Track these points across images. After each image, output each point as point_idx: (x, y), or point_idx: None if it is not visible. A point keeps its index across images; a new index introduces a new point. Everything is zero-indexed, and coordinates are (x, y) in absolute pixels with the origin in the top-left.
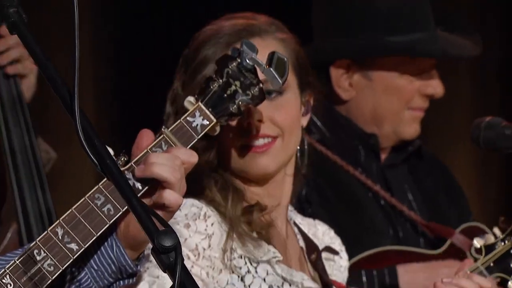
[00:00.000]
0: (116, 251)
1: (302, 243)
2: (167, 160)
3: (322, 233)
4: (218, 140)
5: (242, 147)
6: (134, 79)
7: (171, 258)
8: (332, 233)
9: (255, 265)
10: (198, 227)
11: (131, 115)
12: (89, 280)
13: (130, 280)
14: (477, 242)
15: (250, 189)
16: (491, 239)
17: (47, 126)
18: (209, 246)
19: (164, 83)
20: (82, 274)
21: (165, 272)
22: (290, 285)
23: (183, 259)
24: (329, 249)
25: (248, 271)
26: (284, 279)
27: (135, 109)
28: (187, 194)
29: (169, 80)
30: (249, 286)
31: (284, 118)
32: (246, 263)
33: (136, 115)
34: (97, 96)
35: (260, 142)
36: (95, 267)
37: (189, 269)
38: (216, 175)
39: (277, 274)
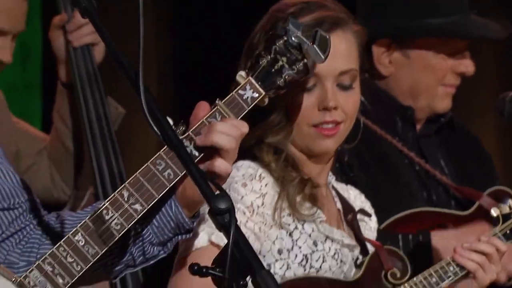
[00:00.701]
0: (174, 210)
1: (339, 205)
2: (228, 129)
3: (354, 197)
4: (289, 115)
5: (312, 127)
6: (192, 57)
7: (225, 219)
8: (363, 197)
9: (302, 222)
10: (253, 187)
11: (189, 90)
12: (151, 235)
13: (187, 235)
14: (494, 212)
15: (303, 159)
16: (506, 209)
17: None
18: (263, 204)
19: (218, 61)
20: (145, 230)
21: (220, 231)
22: (332, 241)
23: (236, 220)
24: (363, 211)
25: (296, 228)
26: (327, 236)
27: (192, 84)
28: (245, 157)
29: (224, 58)
30: (296, 240)
31: (352, 107)
32: (294, 220)
33: (193, 89)
34: (159, 74)
35: (329, 126)
36: (156, 224)
37: (244, 223)
38: (275, 143)
39: (320, 231)
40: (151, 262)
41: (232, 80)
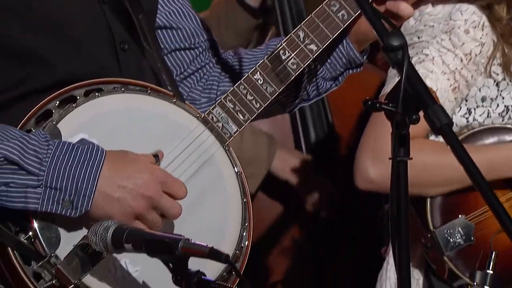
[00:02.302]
0: (346, 46)
1: None
2: None
3: None
4: None
5: None
6: None
7: (398, 56)
8: None
9: (509, 74)
10: (475, 35)
11: None
12: (324, 71)
13: (358, 69)
14: None
15: None
16: None
17: None
18: (480, 52)
19: None
20: (318, 67)
21: (393, 67)
22: None
23: (409, 56)
24: None
25: (504, 79)
26: None
27: None
28: (472, 2)
29: None
30: (501, 91)
31: None
32: (503, 71)
33: None
34: None
35: None
36: (329, 61)
37: (459, 70)
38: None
39: None
40: (324, 95)
41: None
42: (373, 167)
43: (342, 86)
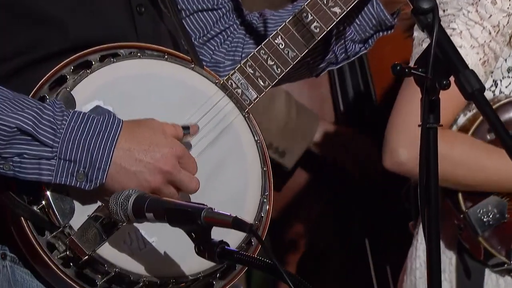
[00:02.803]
0: (376, 8)
1: None
2: None
3: None
4: None
5: None
6: None
7: (429, 19)
8: None
9: None
10: (503, 5)
11: None
12: (353, 33)
13: (389, 32)
14: None
15: None
16: None
17: None
18: (507, 23)
19: None
20: (347, 29)
21: (423, 31)
22: None
23: (439, 19)
24: None
25: None
26: None
27: None
28: None
29: None
30: None
31: None
32: None
33: None
34: None
35: None
36: (358, 23)
37: (487, 43)
38: None
39: None
40: (352, 58)
41: None
42: (404, 149)
43: (383, 51)
